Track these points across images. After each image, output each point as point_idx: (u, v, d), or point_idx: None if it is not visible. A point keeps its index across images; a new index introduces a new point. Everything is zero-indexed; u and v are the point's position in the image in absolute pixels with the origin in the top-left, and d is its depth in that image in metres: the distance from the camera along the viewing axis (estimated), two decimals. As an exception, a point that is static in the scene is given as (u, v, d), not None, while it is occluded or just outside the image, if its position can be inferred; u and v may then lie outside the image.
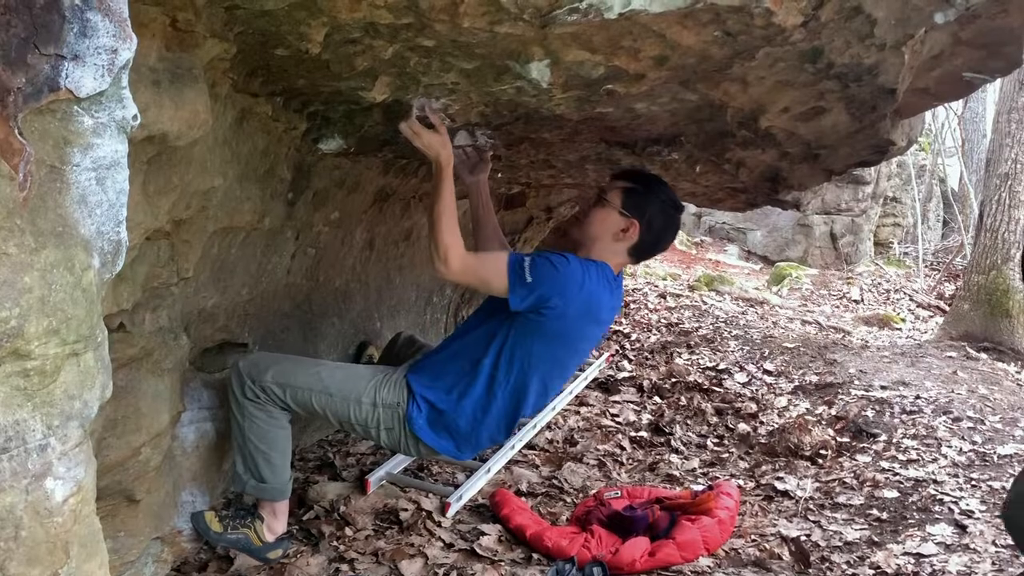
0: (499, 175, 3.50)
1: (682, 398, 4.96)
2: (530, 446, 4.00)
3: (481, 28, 1.53)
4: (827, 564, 2.88)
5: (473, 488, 3.31)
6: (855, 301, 10.10)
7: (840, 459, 3.96)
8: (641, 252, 2.38)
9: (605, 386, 5.19)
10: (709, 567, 2.83)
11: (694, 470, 3.94)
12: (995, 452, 3.92)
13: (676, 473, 3.85)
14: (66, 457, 1.03)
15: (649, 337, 6.65)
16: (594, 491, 3.42)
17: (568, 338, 2.32)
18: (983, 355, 6.33)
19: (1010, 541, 2.16)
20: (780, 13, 1.52)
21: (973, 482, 3.58)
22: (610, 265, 2.34)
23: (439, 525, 3.02)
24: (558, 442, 4.15)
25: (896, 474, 3.73)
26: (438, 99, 2.14)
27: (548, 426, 4.30)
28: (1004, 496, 2.00)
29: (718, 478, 3.75)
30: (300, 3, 1.41)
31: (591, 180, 3.59)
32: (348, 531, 2.89)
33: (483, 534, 2.98)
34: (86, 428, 1.07)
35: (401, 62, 1.78)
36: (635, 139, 2.52)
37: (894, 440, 4.15)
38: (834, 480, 3.71)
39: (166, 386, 1.99)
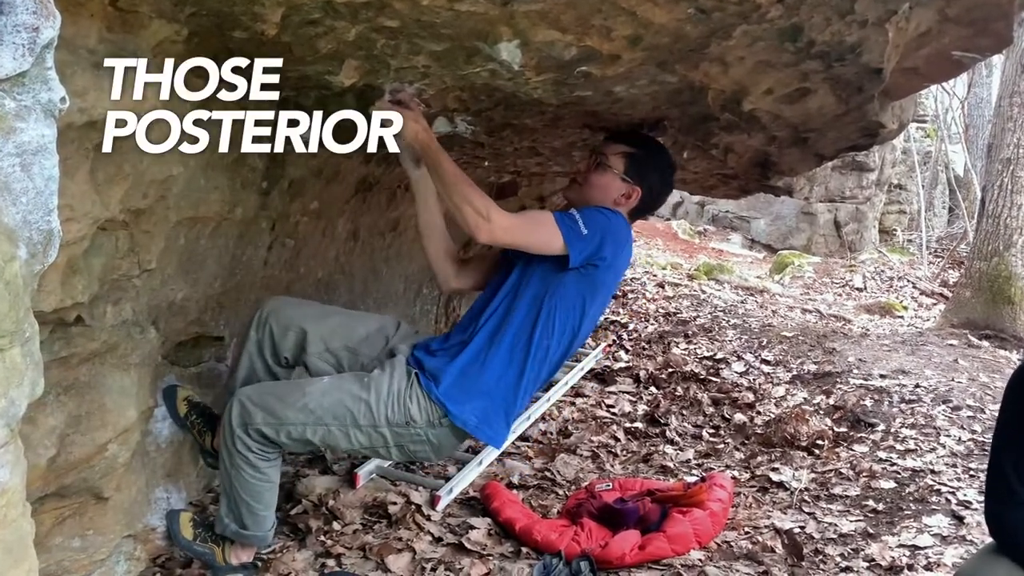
0: (486, 164, 3.45)
1: (678, 388, 4.91)
2: (523, 438, 3.95)
3: (441, 6, 1.47)
4: (821, 557, 2.83)
5: (464, 481, 3.27)
6: (858, 289, 10.03)
7: (837, 449, 3.91)
8: (638, 214, 2.37)
9: (601, 376, 5.15)
10: (700, 560, 2.79)
11: (689, 461, 3.89)
12: (994, 441, 3.86)
13: (670, 464, 3.80)
14: (-12, 458, 0.98)
15: (647, 327, 6.59)
16: (586, 483, 3.38)
17: (608, 289, 2.30)
18: (985, 343, 6.26)
19: None
20: (754, -13, 1.46)
21: (971, 472, 3.52)
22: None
23: (428, 519, 2.98)
24: (552, 434, 4.11)
25: (893, 464, 3.68)
26: (411, 83, 2.08)
27: (542, 417, 4.26)
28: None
29: (712, 469, 3.70)
30: (251, -19, 1.35)
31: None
32: (336, 525, 2.85)
33: (472, 528, 2.94)
34: (13, 427, 1.02)
35: (367, 44, 1.72)
36: (618, 124, 2.45)
37: (892, 430, 4.09)
38: (830, 471, 3.65)
39: (133, 381, 1.95)
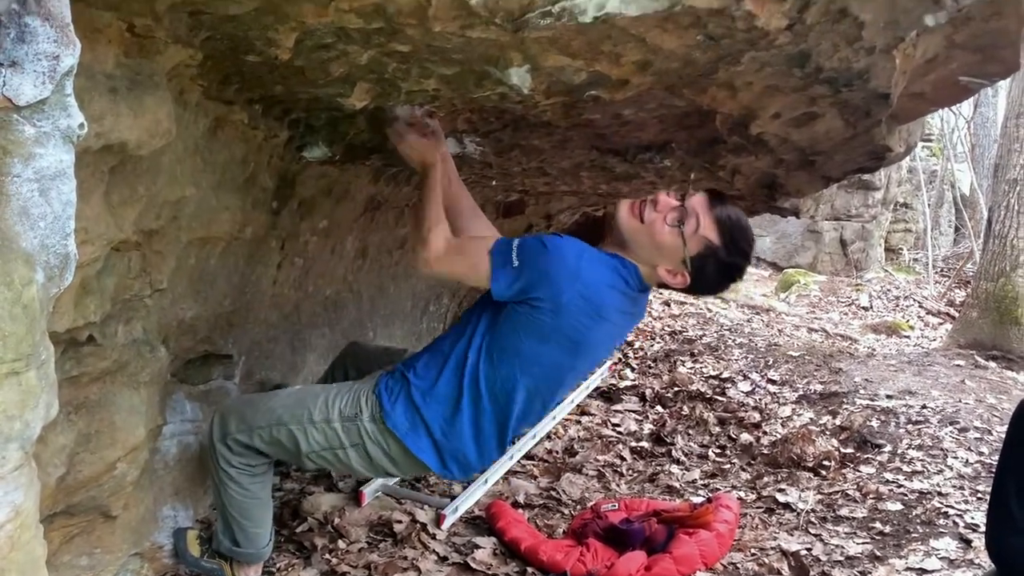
0: (494, 183, 3.46)
1: (684, 407, 4.90)
2: (529, 456, 3.95)
3: (453, 33, 1.48)
4: (827, 579, 2.82)
5: (469, 500, 3.27)
6: (864, 308, 10.00)
7: (843, 470, 3.89)
8: (661, 285, 2.03)
9: (607, 395, 5.14)
10: (706, 582, 2.78)
11: (695, 481, 3.88)
12: (1002, 463, 3.84)
13: (676, 484, 3.79)
14: (3, 481, 0.98)
15: (652, 345, 6.59)
16: (592, 503, 3.37)
17: (569, 338, 1.90)
18: (992, 363, 6.23)
19: None
20: (763, 16, 1.47)
21: (979, 495, 3.50)
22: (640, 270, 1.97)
23: (433, 538, 2.98)
24: (557, 452, 4.10)
25: (900, 486, 3.66)
26: (422, 106, 2.10)
27: (548, 436, 4.26)
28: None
29: (719, 490, 3.69)
30: (266, 8, 1.37)
31: (587, 187, 3.54)
32: (341, 544, 2.85)
33: (477, 547, 2.94)
34: (27, 450, 1.03)
35: (379, 67, 1.74)
36: (626, 146, 2.47)
37: (899, 451, 4.08)
38: (837, 492, 3.64)
39: (142, 399, 1.95)
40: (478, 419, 2.01)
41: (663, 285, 2.00)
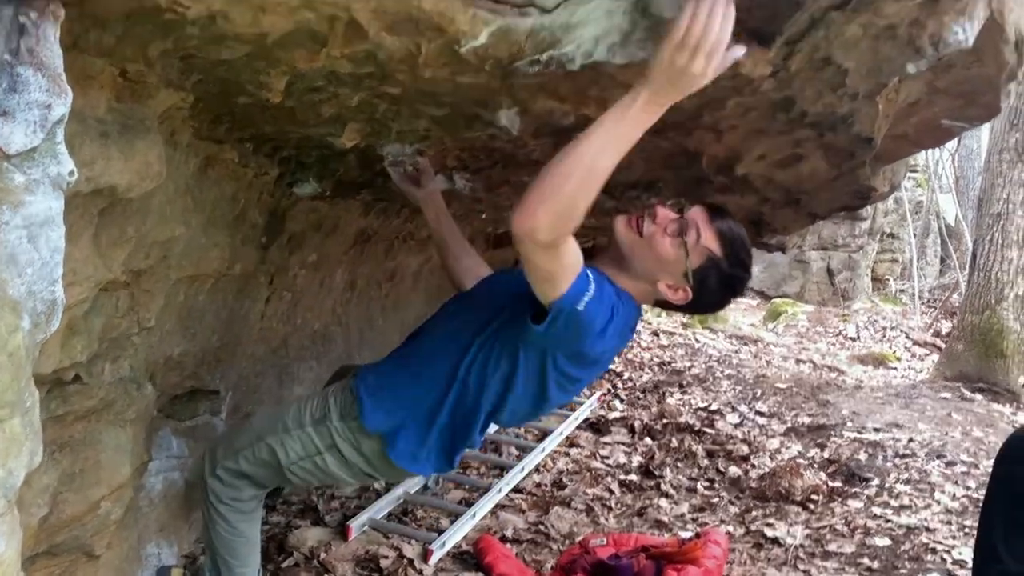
0: (484, 215, 3.48)
1: (673, 439, 4.89)
2: (517, 490, 3.93)
3: (443, 78, 1.50)
4: (815, 617, 2.81)
5: (457, 534, 3.25)
6: (851, 338, 10.05)
7: (831, 504, 3.89)
8: (673, 308, 1.96)
9: (596, 427, 5.13)
10: (694, 620, 2.76)
11: (683, 515, 3.86)
12: (989, 498, 3.85)
13: (665, 519, 3.78)
14: (-15, 530, 0.98)
15: (641, 376, 6.59)
16: (580, 538, 3.35)
17: (567, 378, 1.87)
18: (978, 396, 6.26)
19: None
20: (747, 64, 1.50)
21: (966, 530, 3.51)
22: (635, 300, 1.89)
23: (420, 573, 2.96)
24: (546, 485, 4.08)
25: (888, 521, 3.66)
26: (411, 144, 2.12)
27: (537, 469, 4.24)
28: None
29: (707, 524, 3.68)
30: (257, 53, 1.38)
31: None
32: (327, 579, 2.83)
33: (465, 583, 2.92)
34: (10, 499, 1.02)
35: (369, 109, 1.76)
36: (614, 184, 2.48)
37: (887, 485, 4.08)
38: (825, 527, 3.63)
39: (128, 437, 1.94)
40: (452, 423, 1.95)
41: (662, 304, 1.92)
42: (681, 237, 1.78)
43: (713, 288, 1.84)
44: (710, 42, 1.26)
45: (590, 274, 1.66)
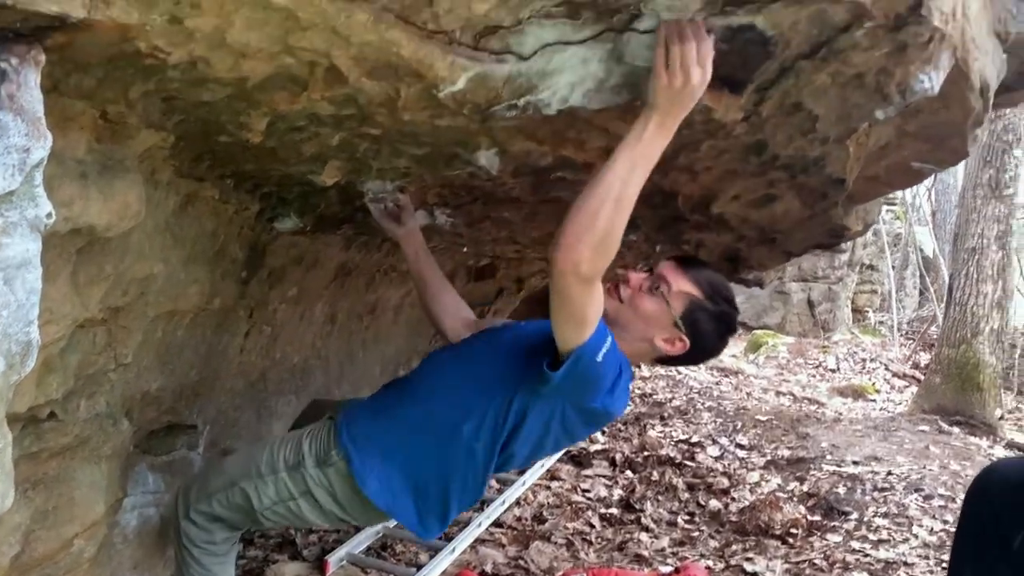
0: (465, 249, 3.50)
1: (654, 472, 4.89)
2: (497, 523, 3.91)
3: (423, 120, 1.53)
4: (794, 654, 2.80)
5: (436, 569, 3.22)
6: (831, 370, 10.11)
7: (811, 538, 3.90)
8: (667, 362, 1.97)
9: (577, 459, 5.13)
10: (673, 657, 2.75)
11: (664, 550, 3.86)
12: (966, 532, 3.87)
13: (645, 553, 3.77)
14: (-47, 575, 0.97)
15: (623, 408, 6.59)
16: (560, 573, 3.34)
17: (557, 439, 1.89)
18: (955, 429, 6.31)
19: None
20: (720, 110, 1.54)
21: (944, 564, 3.52)
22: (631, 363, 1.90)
23: (398, 609, 2.93)
24: (526, 519, 4.07)
25: (867, 555, 3.67)
26: (392, 181, 2.13)
27: (517, 502, 4.22)
28: None
29: (687, 558, 3.67)
30: (238, 95, 1.40)
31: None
32: (302, 616, 2.80)
33: (443, 620, 2.90)
34: (-20, 541, 1.02)
35: (350, 148, 1.78)
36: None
37: (865, 519, 4.10)
38: (804, 561, 3.64)
39: (103, 474, 1.92)
40: (461, 487, 1.94)
41: (665, 360, 1.93)
42: (657, 290, 1.82)
43: (707, 329, 1.85)
44: (695, 55, 1.32)
45: (606, 328, 1.69)
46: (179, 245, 1.84)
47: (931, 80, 1.57)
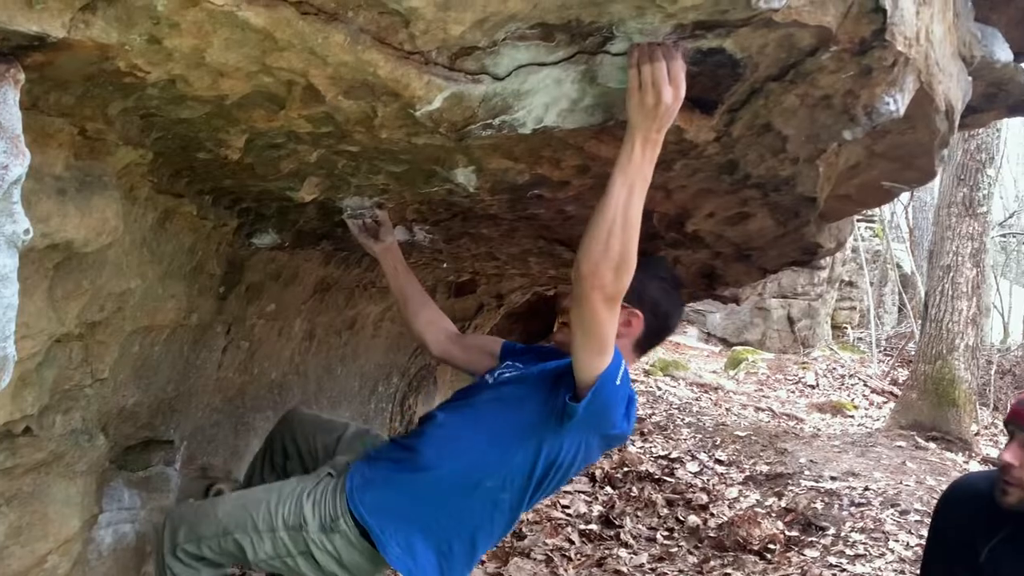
0: (445, 265, 3.52)
1: (634, 488, 4.91)
2: (476, 540, 3.91)
3: (400, 138, 1.55)
4: (770, 669, 2.82)
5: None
6: (810, 386, 10.19)
7: (788, 554, 3.93)
8: (646, 344, 2.01)
9: (556, 475, 5.12)
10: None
11: (643, 566, 3.87)
12: (941, 547, 3.91)
13: (624, 569, 3.78)
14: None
15: (603, 424, 6.61)
16: (538, 589, 3.34)
17: (565, 474, 1.94)
18: (931, 444, 6.38)
19: None
20: (691, 130, 1.57)
21: (918, 579, 3.56)
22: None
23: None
24: (506, 536, 4.06)
25: (843, 570, 3.70)
26: (371, 198, 2.15)
27: (496, 518, 4.22)
28: None
29: (666, 575, 3.69)
30: (217, 112, 1.42)
31: (536, 272, 3.62)
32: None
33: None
34: (-48, 556, 1.02)
35: (328, 164, 1.80)
36: (571, 237, 2.54)
37: (842, 534, 4.13)
38: (782, 576, 3.67)
39: (78, 490, 1.91)
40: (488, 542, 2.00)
41: (640, 347, 1.98)
42: None
43: (650, 290, 1.91)
44: (666, 74, 1.35)
45: (619, 353, 1.73)
46: (157, 260, 1.84)
47: (896, 102, 1.62)
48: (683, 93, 1.39)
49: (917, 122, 1.83)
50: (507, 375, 2.04)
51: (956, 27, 1.92)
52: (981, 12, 2.16)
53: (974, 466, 5.99)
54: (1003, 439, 1.90)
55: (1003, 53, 2.24)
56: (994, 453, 6.73)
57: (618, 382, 1.72)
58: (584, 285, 1.55)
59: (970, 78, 2.10)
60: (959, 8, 1.93)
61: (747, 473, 5.32)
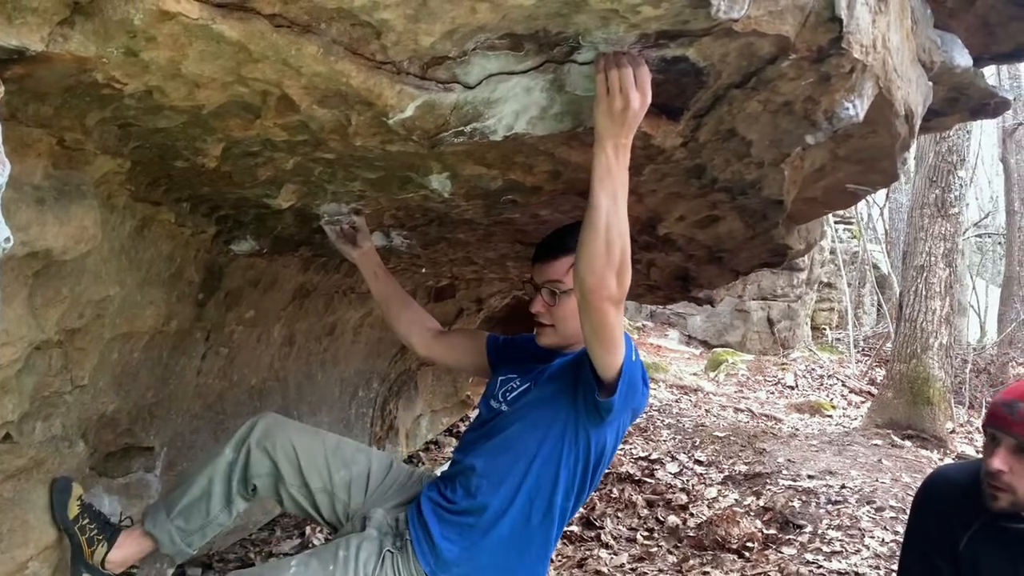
0: (424, 270, 3.55)
1: (614, 489, 4.95)
2: (457, 543, 3.93)
3: (374, 146, 1.58)
4: (747, 664, 2.86)
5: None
6: (789, 387, 10.29)
7: (766, 551, 3.98)
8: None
9: (537, 478, 5.16)
10: (630, 670, 2.80)
11: (623, 566, 3.91)
12: (915, 542, 3.98)
13: (605, 569, 3.82)
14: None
15: (584, 426, 6.65)
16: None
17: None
18: (907, 442, 6.47)
19: None
20: (658, 136, 1.61)
21: (895, 574, 3.62)
22: None
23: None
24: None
25: (820, 567, 3.76)
26: (348, 204, 2.18)
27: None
28: None
29: (646, 574, 3.73)
30: (193, 122, 1.45)
31: (514, 275, 3.66)
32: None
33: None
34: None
35: (305, 171, 1.83)
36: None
37: (819, 531, 4.19)
38: (760, 573, 3.72)
39: (58, 496, 1.93)
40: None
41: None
42: (560, 293, 1.93)
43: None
44: (632, 80, 1.40)
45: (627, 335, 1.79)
46: (135, 268, 1.86)
47: (856, 107, 1.67)
48: (649, 99, 1.44)
49: (878, 126, 1.89)
50: (515, 394, 2.01)
51: (915, 34, 1.97)
52: (940, 19, 2.23)
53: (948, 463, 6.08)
54: (979, 436, 1.94)
55: (963, 59, 2.30)
56: (969, 450, 6.84)
57: (633, 358, 1.78)
58: (592, 298, 1.59)
59: (931, 83, 2.16)
60: (917, 15, 1.99)
61: (726, 473, 5.38)
